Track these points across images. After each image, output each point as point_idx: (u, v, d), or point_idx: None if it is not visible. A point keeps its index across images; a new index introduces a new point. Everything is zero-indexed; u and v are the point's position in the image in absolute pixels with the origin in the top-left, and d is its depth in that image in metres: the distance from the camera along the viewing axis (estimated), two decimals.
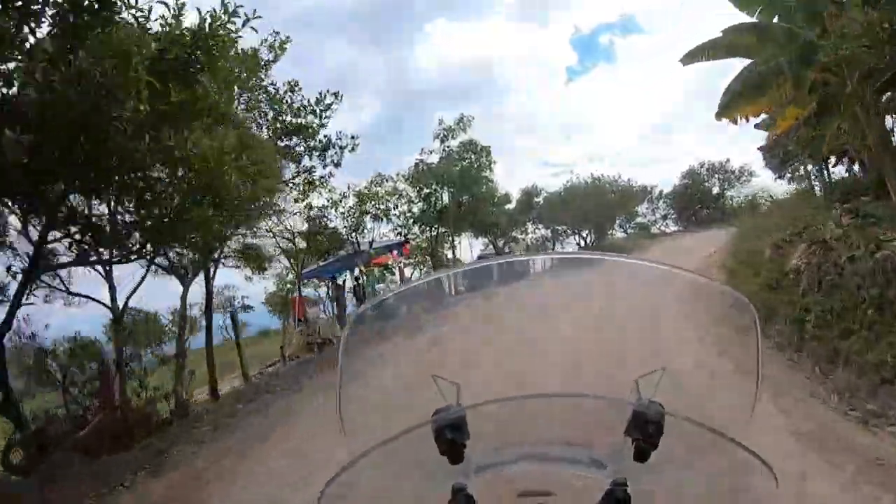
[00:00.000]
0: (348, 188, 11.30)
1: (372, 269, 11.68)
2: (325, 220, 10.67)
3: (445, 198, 14.27)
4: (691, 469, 0.51)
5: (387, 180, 12.77)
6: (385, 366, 0.69)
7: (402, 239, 12.78)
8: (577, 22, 44.45)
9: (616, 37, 43.65)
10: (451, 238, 15.32)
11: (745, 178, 23.57)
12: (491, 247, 17.82)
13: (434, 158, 13.98)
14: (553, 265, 0.60)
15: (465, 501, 0.48)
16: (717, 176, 24.01)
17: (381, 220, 12.08)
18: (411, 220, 14.10)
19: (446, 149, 13.94)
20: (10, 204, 4.11)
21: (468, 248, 18.83)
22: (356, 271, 10.44)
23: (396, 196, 13.19)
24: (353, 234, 11.01)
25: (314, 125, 8.10)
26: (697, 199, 23.80)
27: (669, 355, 0.56)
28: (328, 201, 10.47)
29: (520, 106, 36.59)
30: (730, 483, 0.50)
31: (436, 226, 14.30)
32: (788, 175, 17.40)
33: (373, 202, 11.84)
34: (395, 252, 12.53)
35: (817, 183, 11.65)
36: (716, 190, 24.04)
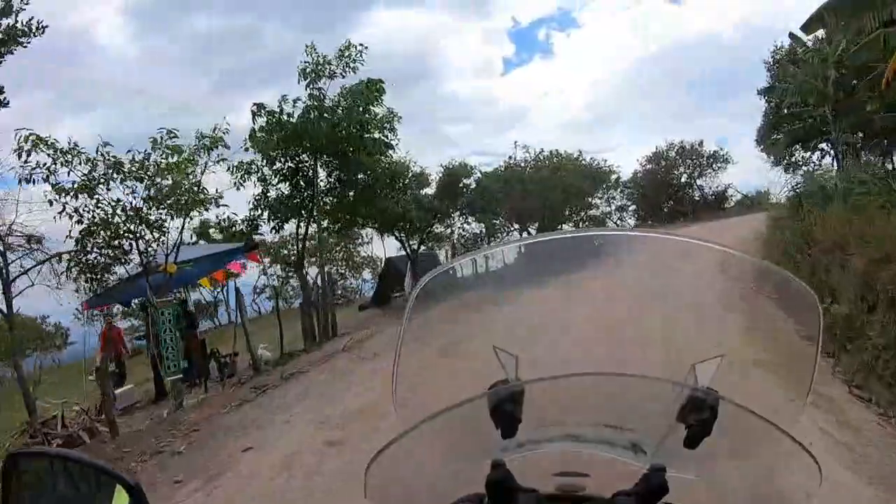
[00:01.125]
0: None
1: (174, 296, 9.16)
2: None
3: (323, 173, 12.32)
4: (736, 458, 0.69)
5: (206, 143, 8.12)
6: (446, 335, 0.86)
7: (244, 243, 10.36)
8: (515, 14, 58.46)
9: (554, 31, 55.71)
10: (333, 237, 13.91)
11: (720, 166, 25.68)
12: (402, 251, 16.74)
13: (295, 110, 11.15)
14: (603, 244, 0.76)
15: (504, 476, 0.64)
16: (689, 161, 26.14)
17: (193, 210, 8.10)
18: (260, 210, 11.74)
19: (321, 93, 11.28)
20: None
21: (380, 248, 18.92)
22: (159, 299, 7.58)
23: (233, 170, 10.29)
24: (133, 238, 7.48)
25: None
26: (666, 189, 25.33)
27: (727, 343, 0.74)
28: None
29: (454, 96, 46.28)
30: (774, 475, 0.68)
31: (303, 218, 12.00)
32: (801, 160, 19.67)
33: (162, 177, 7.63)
34: (237, 263, 10.82)
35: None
36: (684, 179, 26.31)
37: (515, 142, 18.78)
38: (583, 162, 21.80)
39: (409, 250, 16.56)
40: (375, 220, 14.68)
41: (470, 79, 52.44)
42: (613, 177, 24.17)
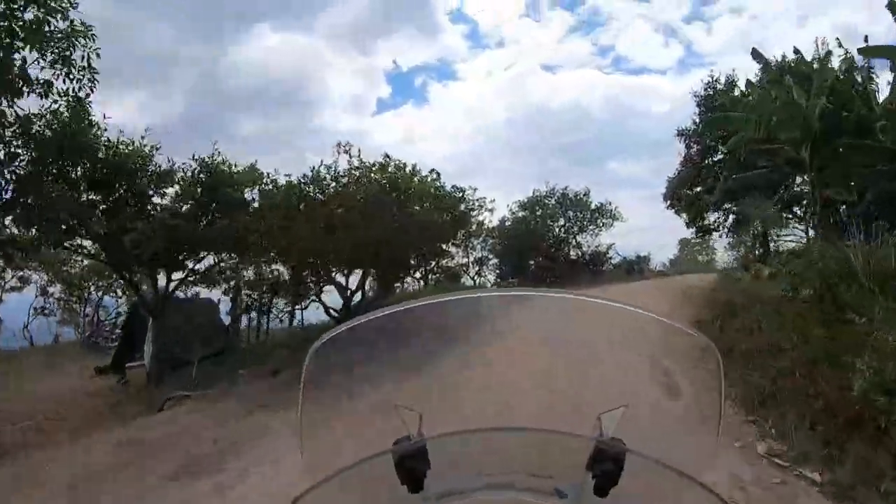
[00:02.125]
0: None
1: None
2: None
3: None
4: None
5: None
6: (347, 395, 1.06)
7: None
8: (398, 57, 70.31)
9: (432, 79, 68.30)
10: None
11: (605, 222, 28.16)
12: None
13: None
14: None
15: None
16: (570, 212, 28.43)
17: None
18: None
19: None
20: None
21: None
22: None
23: None
24: None
25: None
26: (538, 243, 27.19)
27: (633, 393, 0.96)
28: None
29: (323, 128, 55.59)
30: None
31: None
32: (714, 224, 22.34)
33: None
34: None
35: None
36: (560, 232, 28.61)
37: (338, 143, 16.25)
38: (438, 187, 18.00)
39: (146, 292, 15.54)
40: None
41: (341, 114, 62.12)
42: (481, 217, 22.83)
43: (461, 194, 19.37)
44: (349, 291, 16.90)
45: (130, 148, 13.91)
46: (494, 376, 1.18)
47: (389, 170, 16.46)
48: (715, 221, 25.05)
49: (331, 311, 17.02)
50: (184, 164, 15.25)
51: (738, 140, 16.47)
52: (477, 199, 21.16)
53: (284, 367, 12.05)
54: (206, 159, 15.49)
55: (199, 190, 15.32)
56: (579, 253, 28.23)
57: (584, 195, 28.41)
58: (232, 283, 19.04)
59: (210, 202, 15.31)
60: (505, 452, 0.91)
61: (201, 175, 15.40)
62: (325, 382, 0.96)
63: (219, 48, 63.72)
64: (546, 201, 28.51)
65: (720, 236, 25.99)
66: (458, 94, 66.61)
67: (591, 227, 28.39)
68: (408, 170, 17.05)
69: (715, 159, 23.18)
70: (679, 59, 55.53)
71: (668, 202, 25.65)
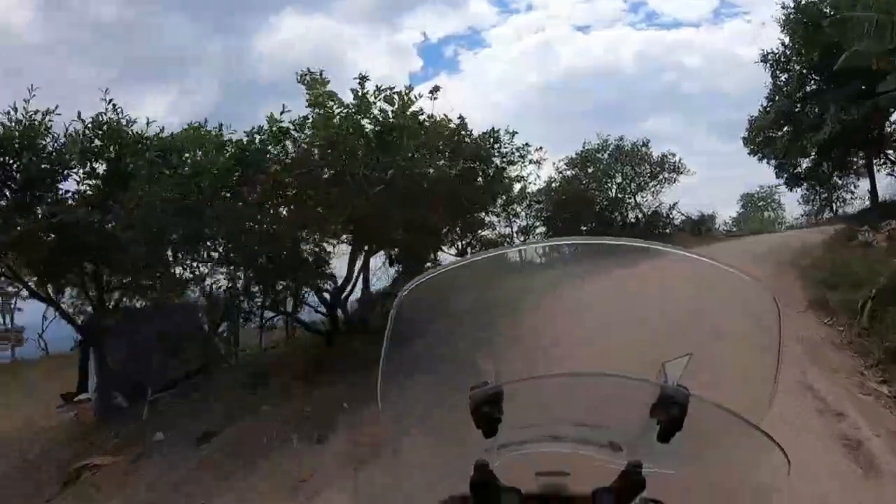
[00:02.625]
0: None
1: None
2: None
3: None
4: (709, 453, 1.07)
5: None
6: (428, 342, 1.20)
7: None
8: (426, 29, 68.38)
9: (462, 48, 70.81)
10: None
11: (668, 177, 27.03)
12: None
13: None
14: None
15: (487, 477, 0.96)
16: (627, 168, 27.24)
17: None
18: None
19: None
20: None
21: None
22: None
23: None
24: None
25: None
26: (591, 205, 26.31)
27: (697, 343, 1.09)
28: None
29: None
30: (745, 468, 1.06)
31: None
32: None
33: None
34: None
35: None
36: (615, 192, 27.56)
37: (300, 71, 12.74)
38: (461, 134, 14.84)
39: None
40: None
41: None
42: (525, 171, 19.32)
43: (492, 142, 16.00)
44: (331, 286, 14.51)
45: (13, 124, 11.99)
46: (565, 326, 1.36)
47: (374, 112, 12.88)
48: (819, 167, 24.03)
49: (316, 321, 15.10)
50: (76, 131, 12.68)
51: (858, 54, 13.55)
52: (517, 148, 17.15)
53: (226, 425, 10.35)
54: (101, 119, 12.85)
55: (96, 165, 12.98)
56: (639, 215, 27.18)
57: (643, 145, 26.74)
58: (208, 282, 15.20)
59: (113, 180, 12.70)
60: (569, 401, 1.07)
61: (95, 143, 12.77)
62: (406, 331, 1.10)
63: (243, 39, 73.08)
64: (599, 156, 27.04)
65: (815, 188, 25.46)
66: (490, 61, 70.90)
67: (652, 184, 26.96)
68: (405, 108, 13.00)
69: (811, 89, 21.70)
70: (713, 10, 54.45)
71: (753, 146, 24.94)
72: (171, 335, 13.56)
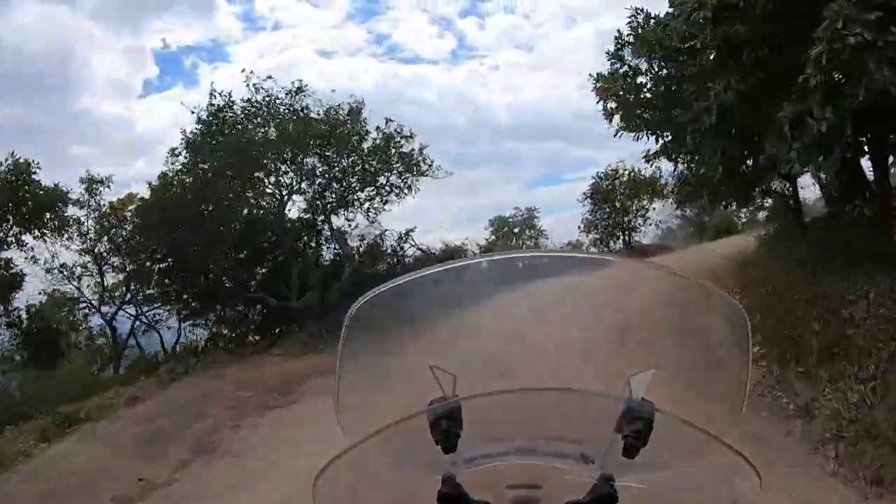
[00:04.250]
0: None
1: None
2: None
3: None
4: (678, 467, 1.05)
5: None
6: (383, 356, 1.20)
7: None
8: (167, 36, 64.25)
9: (202, 61, 63.49)
10: None
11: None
12: None
13: None
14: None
15: (455, 490, 0.92)
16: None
17: None
18: None
19: None
20: None
21: None
22: None
23: None
24: None
25: None
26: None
27: (662, 356, 1.11)
28: None
29: (86, 113, 47.30)
30: (715, 482, 1.04)
31: None
32: None
33: None
34: None
35: None
36: None
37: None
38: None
39: None
40: None
41: (103, 97, 55.84)
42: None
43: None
44: None
45: None
46: (525, 339, 1.29)
47: None
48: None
49: None
50: None
51: None
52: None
53: None
54: None
55: None
56: (337, 247, 20.88)
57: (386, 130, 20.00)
58: None
59: None
60: (536, 415, 1.03)
61: None
62: (361, 345, 1.09)
63: None
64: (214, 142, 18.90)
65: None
66: (229, 77, 65.36)
67: (366, 197, 20.42)
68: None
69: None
70: (451, 51, 59.57)
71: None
72: None
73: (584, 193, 24.54)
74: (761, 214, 17.28)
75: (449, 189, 32.40)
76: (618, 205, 24.02)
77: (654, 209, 24.29)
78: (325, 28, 68.92)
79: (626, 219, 24.12)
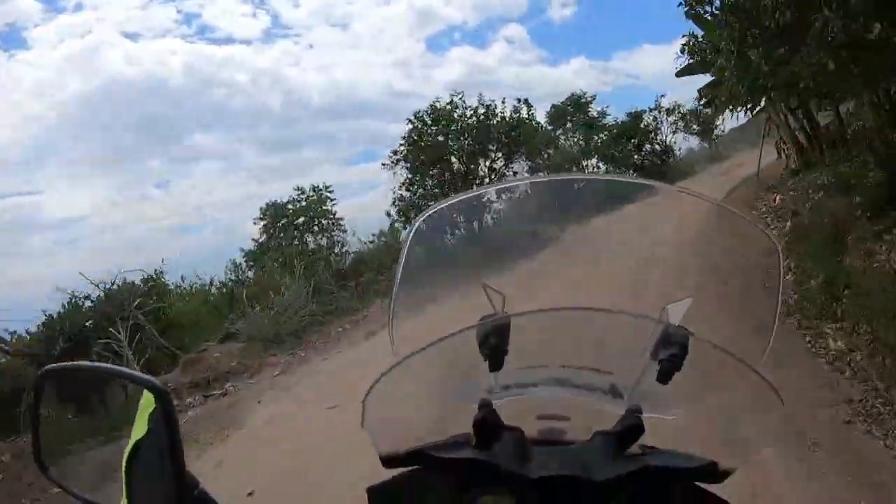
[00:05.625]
0: None
1: None
2: None
3: None
4: (705, 399, 1.09)
5: None
6: (440, 273, 1.26)
7: None
8: None
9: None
10: None
11: None
12: None
13: None
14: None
15: (491, 415, 0.95)
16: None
17: None
18: None
19: None
20: None
21: None
22: None
23: None
24: None
25: None
26: None
27: (698, 286, 1.75)
28: None
29: None
30: (740, 409, 1.07)
31: None
32: None
33: None
34: None
35: None
36: None
37: None
38: None
39: None
40: None
41: None
42: None
43: None
44: None
45: None
46: (570, 263, 1.33)
47: None
48: None
49: None
50: None
51: None
52: None
53: None
54: None
55: None
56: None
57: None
58: None
59: None
60: (573, 340, 1.07)
61: None
62: (420, 258, 1.12)
63: None
64: None
65: None
66: (28, 66, 61.89)
67: None
68: None
69: None
70: (264, 30, 55.68)
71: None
72: None
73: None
74: None
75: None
76: None
77: None
78: (130, 8, 61.75)
79: None
